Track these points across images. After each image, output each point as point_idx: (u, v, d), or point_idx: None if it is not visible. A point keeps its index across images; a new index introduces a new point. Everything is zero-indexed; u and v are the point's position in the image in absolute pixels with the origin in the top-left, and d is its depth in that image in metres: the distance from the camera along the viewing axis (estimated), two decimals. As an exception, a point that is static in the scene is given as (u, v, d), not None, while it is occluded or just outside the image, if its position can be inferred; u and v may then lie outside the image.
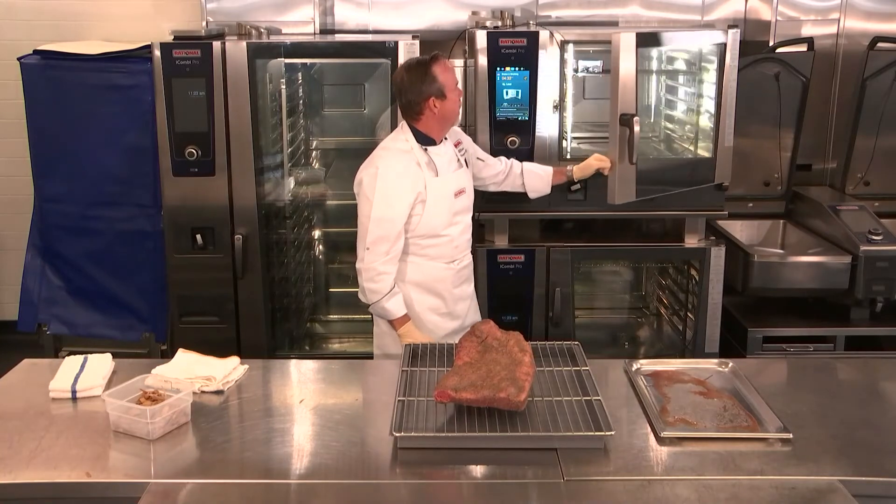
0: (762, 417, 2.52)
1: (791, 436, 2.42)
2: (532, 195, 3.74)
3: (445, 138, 3.35)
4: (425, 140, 3.26)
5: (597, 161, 3.66)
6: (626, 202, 3.59)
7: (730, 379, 2.80)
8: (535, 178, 3.71)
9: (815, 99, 4.50)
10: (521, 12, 4.54)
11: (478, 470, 2.32)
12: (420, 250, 3.29)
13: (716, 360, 2.95)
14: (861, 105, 4.44)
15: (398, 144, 3.27)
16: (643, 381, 2.75)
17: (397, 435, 2.36)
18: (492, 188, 3.71)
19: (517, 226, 4.16)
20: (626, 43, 3.40)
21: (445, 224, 3.29)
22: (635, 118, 3.45)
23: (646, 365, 2.89)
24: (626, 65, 3.43)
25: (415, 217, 3.22)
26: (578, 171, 3.71)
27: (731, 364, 2.88)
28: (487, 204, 3.98)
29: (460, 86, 3.24)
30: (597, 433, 2.37)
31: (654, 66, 4.47)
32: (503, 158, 3.73)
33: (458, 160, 3.41)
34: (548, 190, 3.73)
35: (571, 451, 2.35)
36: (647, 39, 3.65)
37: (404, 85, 3.21)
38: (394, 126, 3.91)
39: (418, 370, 2.76)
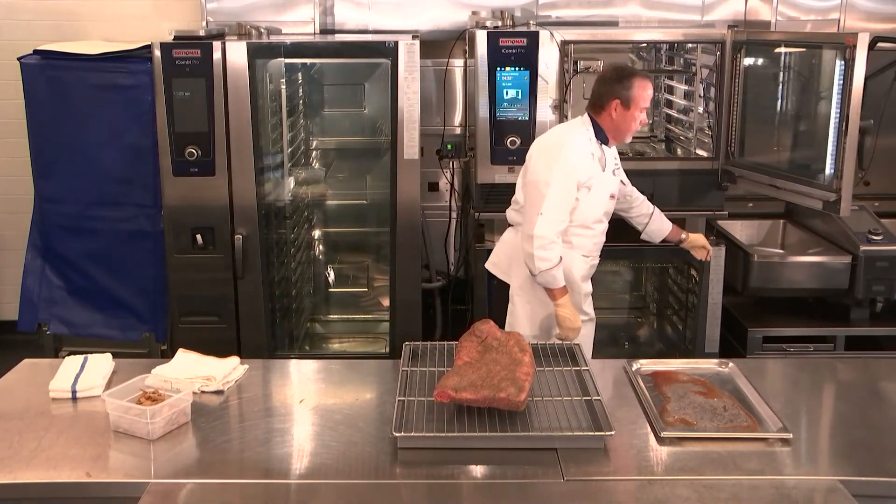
0: (762, 417, 2.52)
1: (791, 436, 2.41)
2: (644, 236, 3.78)
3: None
4: (602, 137, 3.38)
5: (704, 248, 3.74)
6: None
7: (730, 379, 2.80)
8: (658, 224, 3.74)
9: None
10: (521, 12, 4.54)
11: (478, 470, 2.32)
12: (566, 236, 3.36)
13: (716, 360, 2.95)
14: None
15: (580, 129, 3.36)
16: (643, 381, 2.75)
17: (398, 435, 2.36)
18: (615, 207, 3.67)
19: (517, 226, 4.16)
20: (861, 43, 3.38)
21: (596, 219, 3.42)
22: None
23: (646, 365, 2.89)
24: (861, 68, 3.43)
25: (578, 202, 3.32)
26: (688, 241, 3.75)
27: (731, 364, 2.88)
28: (487, 204, 3.98)
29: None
30: (597, 433, 2.37)
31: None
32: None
33: (618, 167, 3.55)
34: (657, 240, 3.77)
35: (571, 451, 2.35)
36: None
37: (604, 77, 3.36)
38: (394, 126, 3.93)
39: (418, 370, 2.76)
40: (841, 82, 3.47)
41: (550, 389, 2.63)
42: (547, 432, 2.40)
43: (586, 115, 3.41)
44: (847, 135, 3.47)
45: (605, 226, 3.52)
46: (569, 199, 3.29)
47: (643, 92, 3.32)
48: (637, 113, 3.34)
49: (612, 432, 2.36)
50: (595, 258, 3.56)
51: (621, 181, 3.60)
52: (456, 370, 2.61)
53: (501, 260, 3.58)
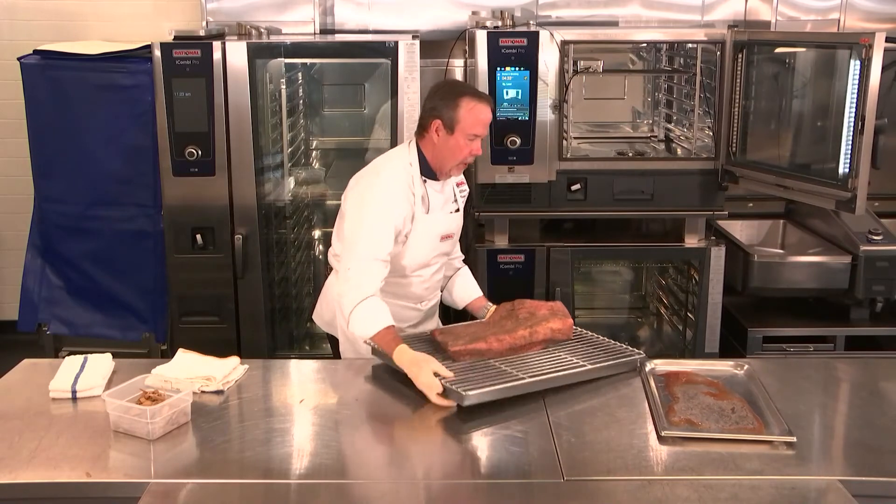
0: (769, 420, 2.50)
1: (795, 439, 2.39)
2: (444, 298, 3.27)
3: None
4: (427, 171, 2.94)
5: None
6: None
7: (744, 381, 2.77)
8: (463, 284, 3.23)
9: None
10: (521, 12, 4.54)
11: (478, 470, 2.32)
12: (385, 287, 2.92)
13: (732, 362, 2.91)
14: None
15: (398, 163, 2.96)
16: (654, 382, 2.73)
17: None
18: None
19: (517, 226, 4.16)
20: (878, 42, 3.39)
21: (419, 266, 3.01)
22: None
23: (660, 365, 2.86)
24: (878, 68, 3.42)
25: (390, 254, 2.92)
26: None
27: (746, 366, 2.85)
28: (487, 204, 3.98)
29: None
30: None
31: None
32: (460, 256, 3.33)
33: (457, 200, 3.10)
34: (459, 305, 3.25)
35: (572, 451, 2.35)
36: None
37: (431, 91, 2.92)
38: (394, 126, 3.92)
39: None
40: (856, 82, 3.48)
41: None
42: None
43: (413, 141, 2.95)
44: (863, 134, 3.48)
45: (437, 266, 3.07)
46: (382, 249, 2.83)
47: (473, 115, 2.80)
48: (463, 140, 2.82)
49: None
50: (432, 300, 3.13)
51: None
52: (469, 324, 2.97)
53: (324, 310, 3.22)
